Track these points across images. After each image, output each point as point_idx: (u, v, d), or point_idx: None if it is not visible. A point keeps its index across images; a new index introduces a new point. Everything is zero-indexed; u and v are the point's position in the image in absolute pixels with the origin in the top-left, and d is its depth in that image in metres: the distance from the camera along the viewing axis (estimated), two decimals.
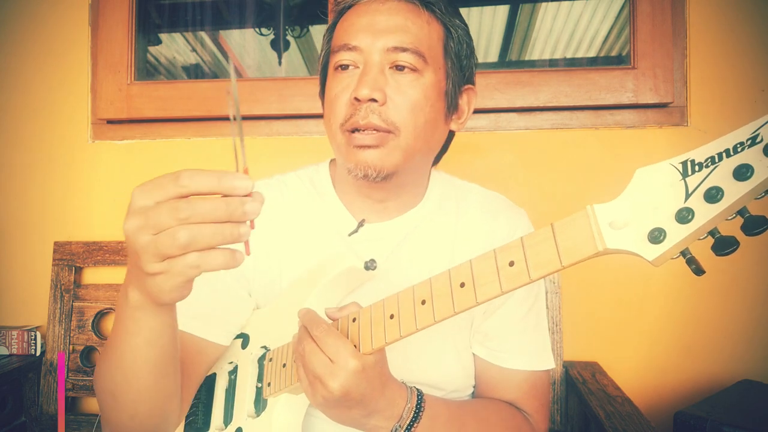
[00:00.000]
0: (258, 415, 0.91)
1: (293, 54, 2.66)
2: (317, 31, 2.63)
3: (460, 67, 0.99)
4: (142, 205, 0.57)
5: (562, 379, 1.53)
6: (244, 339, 1.00)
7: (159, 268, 0.58)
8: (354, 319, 0.78)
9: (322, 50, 1.04)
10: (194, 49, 2.52)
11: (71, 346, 1.68)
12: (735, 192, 0.50)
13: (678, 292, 1.58)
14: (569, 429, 1.50)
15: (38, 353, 1.71)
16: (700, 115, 1.59)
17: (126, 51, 1.79)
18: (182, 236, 0.55)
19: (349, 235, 1.01)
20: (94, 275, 1.78)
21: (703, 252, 0.57)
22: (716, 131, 1.55)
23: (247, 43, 2.43)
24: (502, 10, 2.58)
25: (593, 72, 1.62)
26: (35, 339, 1.71)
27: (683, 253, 0.55)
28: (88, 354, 1.70)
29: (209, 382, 1.01)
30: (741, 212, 0.51)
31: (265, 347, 0.96)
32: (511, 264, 0.63)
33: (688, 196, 0.52)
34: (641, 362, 1.59)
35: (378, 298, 0.78)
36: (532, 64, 2.56)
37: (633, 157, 1.61)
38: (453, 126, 1.02)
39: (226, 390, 0.99)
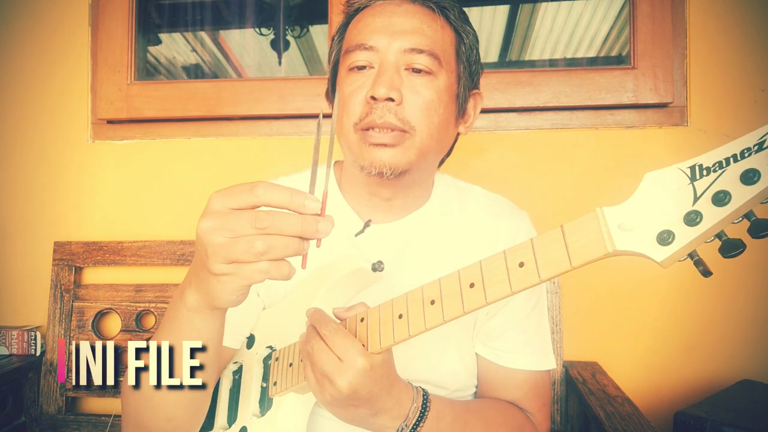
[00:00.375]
0: (263, 415, 0.91)
1: (293, 54, 2.66)
2: (317, 31, 2.62)
3: (469, 72, 1.00)
4: (219, 209, 0.61)
5: (562, 379, 1.53)
6: (250, 339, 1.00)
7: (225, 269, 0.61)
8: (362, 319, 0.79)
9: (331, 49, 1.05)
10: (194, 49, 2.52)
11: (71, 346, 1.68)
12: (742, 196, 0.51)
13: (678, 292, 1.58)
14: (569, 429, 1.51)
15: (38, 353, 1.70)
16: (700, 115, 1.60)
17: (126, 51, 1.78)
18: (259, 245, 0.59)
19: (356, 235, 1.02)
20: (94, 275, 1.78)
21: (708, 254, 0.57)
22: (716, 131, 1.57)
23: (247, 43, 2.42)
24: (502, 10, 2.58)
25: (593, 72, 1.63)
26: (35, 339, 1.70)
27: (691, 255, 0.56)
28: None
29: None
30: (748, 216, 0.52)
31: (270, 347, 0.96)
32: (521, 265, 0.64)
33: (696, 199, 0.53)
34: (641, 362, 1.60)
35: (382, 298, 0.79)
36: (532, 64, 2.56)
37: (633, 157, 1.62)
38: (460, 129, 1.03)
39: (230, 390, 0.99)
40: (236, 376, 0.99)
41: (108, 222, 1.80)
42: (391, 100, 0.89)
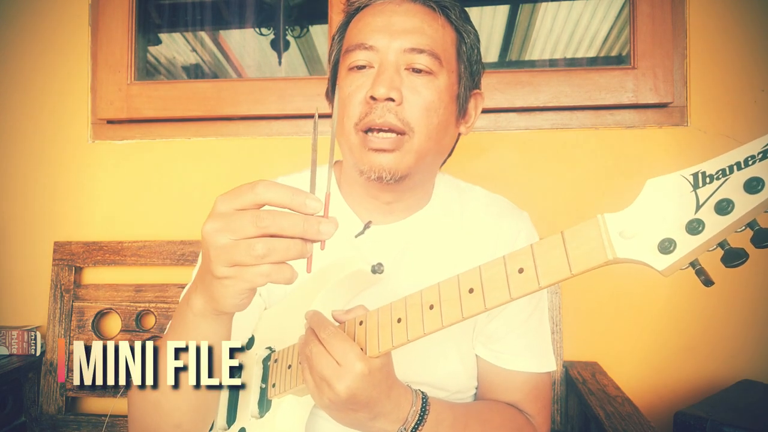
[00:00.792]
0: (262, 416, 0.91)
1: (293, 54, 2.65)
2: (317, 31, 2.61)
3: (470, 72, 1.00)
4: (223, 211, 0.61)
5: (562, 379, 1.53)
6: (249, 340, 1.00)
7: (228, 272, 0.61)
8: (361, 322, 0.78)
9: (332, 49, 1.04)
10: (194, 49, 2.51)
11: (71, 346, 1.68)
12: (745, 205, 0.50)
13: (678, 293, 1.58)
14: (569, 429, 1.51)
15: (38, 353, 1.70)
16: (700, 115, 1.59)
17: (126, 51, 1.78)
18: (259, 248, 0.58)
19: (356, 236, 1.01)
20: (94, 275, 1.78)
21: (710, 262, 0.57)
22: (716, 131, 1.57)
23: (247, 43, 2.41)
24: (502, 10, 2.57)
25: (593, 72, 1.63)
26: (35, 339, 1.70)
27: (692, 264, 0.55)
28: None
29: None
30: (751, 225, 0.52)
31: (270, 348, 0.96)
32: (521, 271, 0.63)
33: (698, 207, 0.53)
34: (641, 362, 1.60)
35: (382, 300, 0.78)
36: (532, 64, 2.55)
37: (633, 157, 1.61)
38: (461, 129, 1.03)
39: (229, 391, 0.99)
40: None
41: (108, 222, 1.80)
42: (391, 100, 0.89)
